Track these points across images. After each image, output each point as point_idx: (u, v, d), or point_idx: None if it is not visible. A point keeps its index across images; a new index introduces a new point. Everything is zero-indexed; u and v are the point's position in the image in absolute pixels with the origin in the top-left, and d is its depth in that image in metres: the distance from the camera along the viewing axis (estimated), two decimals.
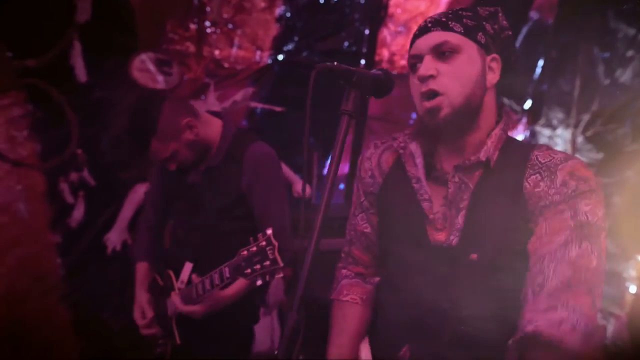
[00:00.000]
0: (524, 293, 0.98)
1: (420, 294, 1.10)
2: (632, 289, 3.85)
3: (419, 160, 1.13)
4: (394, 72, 3.93)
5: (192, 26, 3.26)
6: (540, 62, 5.08)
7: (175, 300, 1.73)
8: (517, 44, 4.88)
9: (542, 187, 1.01)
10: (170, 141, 1.69)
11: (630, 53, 4.56)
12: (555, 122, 5.23)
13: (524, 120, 5.40)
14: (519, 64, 1.18)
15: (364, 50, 3.75)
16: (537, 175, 1.02)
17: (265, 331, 3.04)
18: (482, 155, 1.07)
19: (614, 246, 4.42)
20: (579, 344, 0.90)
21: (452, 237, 1.08)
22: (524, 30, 4.82)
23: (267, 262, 1.36)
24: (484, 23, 1.08)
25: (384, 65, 3.87)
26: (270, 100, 3.60)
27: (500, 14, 1.14)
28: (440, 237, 1.09)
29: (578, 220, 0.96)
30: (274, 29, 3.51)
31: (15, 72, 2.64)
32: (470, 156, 1.08)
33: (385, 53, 3.88)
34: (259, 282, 1.40)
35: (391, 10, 3.76)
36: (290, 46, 3.66)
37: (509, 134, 1.12)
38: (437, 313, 1.07)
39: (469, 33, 1.06)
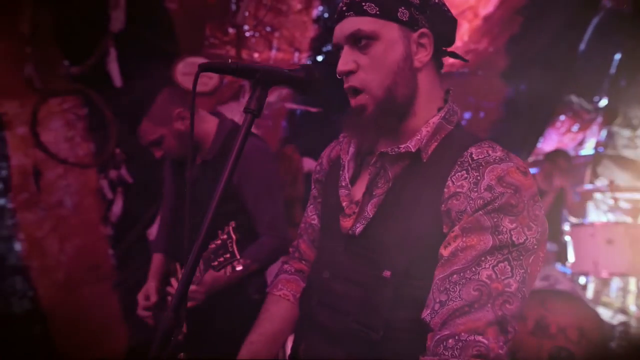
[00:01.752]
0: (426, 306, 0.85)
1: (318, 287, 1.02)
2: None
3: (352, 148, 1.06)
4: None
5: (231, 30, 3.38)
6: (617, 56, 4.58)
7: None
8: (587, 36, 4.42)
9: (465, 188, 0.86)
10: (160, 126, 1.75)
11: None
12: (635, 121, 4.68)
13: (599, 119, 4.90)
14: (453, 33, 1.00)
15: None
16: (464, 172, 0.87)
17: None
18: (413, 146, 0.93)
19: None
20: None
21: (357, 225, 0.97)
22: (595, 21, 4.37)
23: (227, 255, 1.38)
24: None
25: None
26: (308, 102, 3.61)
27: None
28: (347, 223, 0.99)
29: (499, 239, 0.82)
30: (312, 30, 3.52)
31: (67, 78, 2.92)
32: (399, 145, 0.95)
33: None
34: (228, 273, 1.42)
35: None
36: (329, 47, 3.66)
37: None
38: (325, 308, 0.98)
39: (386, 13, 0.92)
